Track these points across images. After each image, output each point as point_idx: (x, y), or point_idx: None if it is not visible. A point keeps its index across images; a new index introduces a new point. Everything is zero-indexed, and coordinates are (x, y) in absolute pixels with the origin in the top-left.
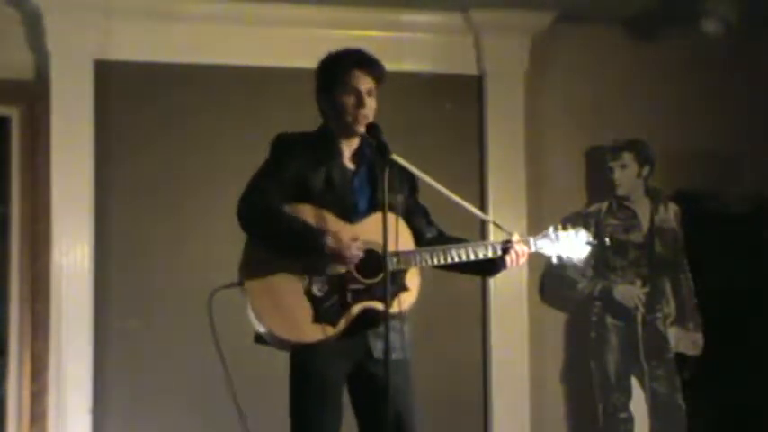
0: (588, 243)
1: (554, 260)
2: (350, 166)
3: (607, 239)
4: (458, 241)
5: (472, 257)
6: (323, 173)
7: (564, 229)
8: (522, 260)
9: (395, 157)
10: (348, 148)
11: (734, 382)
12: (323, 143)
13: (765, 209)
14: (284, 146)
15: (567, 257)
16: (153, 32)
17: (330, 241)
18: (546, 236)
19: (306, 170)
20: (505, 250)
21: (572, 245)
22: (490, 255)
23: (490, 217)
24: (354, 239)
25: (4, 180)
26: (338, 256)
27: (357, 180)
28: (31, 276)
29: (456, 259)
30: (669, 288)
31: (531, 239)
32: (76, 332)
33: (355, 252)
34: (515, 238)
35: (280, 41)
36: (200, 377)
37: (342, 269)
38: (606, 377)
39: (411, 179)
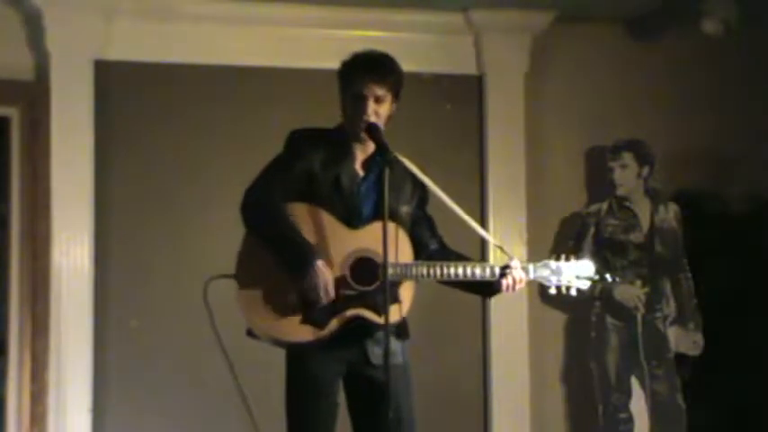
0: (589, 278)
1: (552, 291)
2: (360, 171)
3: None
4: (458, 257)
5: (469, 277)
6: (332, 175)
7: (567, 259)
8: (519, 286)
9: (401, 158)
10: (362, 153)
11: (734, 382)
12: (337, 144)
13: (765, 209)
14: (298, 143)
15: (566, 289)
16: (153, 32)
17: (316, 268)
18: (546, 265)
19: (316, 170)
20: (503, 275)
21: (572, 277)
22: (488, 276)
23: (492, 238)
24: (342, 276)
25: (4, 180)
26: (312, 288)
27: (365, 186)
28: (31, 276)
29: (452, 277)
30: (669, 288)
31: (531, 267)
32: (76, 332)
33: (328, 296)
34: (515, 263)
35: (280, 41)
36: (200, 376)
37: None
38: (606, 377)
39: (422, 190)
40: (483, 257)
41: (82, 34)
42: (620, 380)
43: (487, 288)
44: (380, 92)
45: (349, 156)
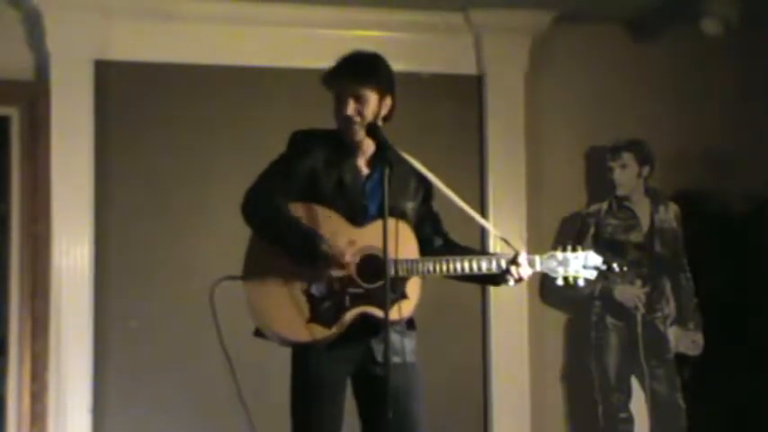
0: (596, 268)
1: (559, 282)
2: (364, 169)
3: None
4: (463, 251)
5: (475, 271)
6: (335, 174)
7: (573, 250)
8: (525, 277)
9: (405, 155)
10: (364, 152)
11: (734, 382)
12: (339, 144)
13: (765, 209)
14: (300, 143)
15: (573, 279)
16: (153, 32)
17: (326, 248)
18: (553, 256)
19: (319, 169)
20: (508, 270)
21: (579, 267)
22: (494, 269)
23: (494, 229)
24: (351, 243)
25: (4, 180)
26: (334, 263)
27: (369, 184)
28: (31, 276)
29: (459, 271)
30: (669, 288)
31: (538, 259)
32: (76, 332)
33: (350, 258)
34: (522, 256)
35: (280, 41)
36: (199, 377)
37: (340, 273)
38: (606, 377)
39: (426, 187)
40: (483, 249)
41: (82, 34)
42: (620, 380)
43: (493, 279)
44: (360, 91)
45: (351, 155)
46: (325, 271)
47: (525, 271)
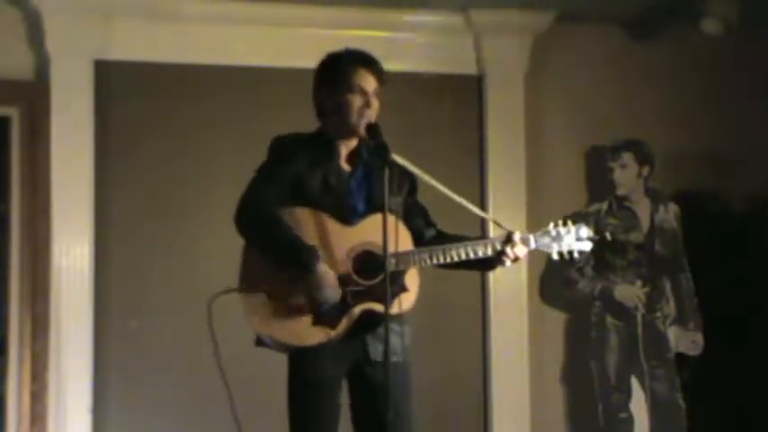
0: (589, 239)
1: (555, 256)
2: (346, 167)
3: (608, 234)
4: (457, 239)
5: (471, 256)
6: (320, 175)
7: (564, 224)
8: (522, 256)
9: (395, 156)
10: (345, 149)
11: (734, 382)
12: (320, 145)
13: (765, 209)
14: (281, 148)
15: (568, 253)
16: (153, 32)
17: (319, 269)
18: (546, 233)
19: (303, 172)
20: (503, 251)
21: (573, 241)
22: (489, 253)
23: (489, 215)
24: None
25: (4, 180)
26: (319, 289)
27: (354, 181)
28: (31, 276)
29: (456, 259)
30: (669, 288)
31: (531, 237)
32: (76, 332)
33: (332, 295)
34: (516, 235)
35: (280, 41)
36: (199, 377)
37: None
38: (606, 377)
39: (410, 179)
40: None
41: (82, 34)
42: (620, 380)
43: (489, 263)
44: (376, 86)
45: (334, 154)
46: (318, 285)
47: (521, 250)
